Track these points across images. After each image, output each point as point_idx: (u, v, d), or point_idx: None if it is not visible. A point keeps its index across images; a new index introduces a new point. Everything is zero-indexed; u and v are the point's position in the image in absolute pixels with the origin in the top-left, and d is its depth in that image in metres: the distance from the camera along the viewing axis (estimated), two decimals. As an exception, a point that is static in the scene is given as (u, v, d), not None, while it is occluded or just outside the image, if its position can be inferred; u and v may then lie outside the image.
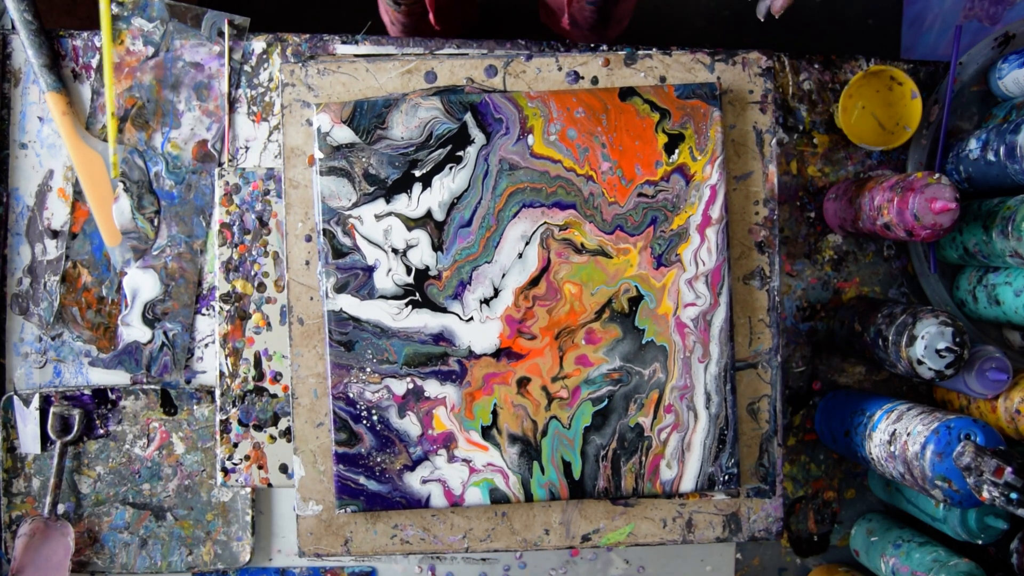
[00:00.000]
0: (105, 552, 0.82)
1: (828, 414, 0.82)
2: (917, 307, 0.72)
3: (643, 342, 0.69)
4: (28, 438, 0.81)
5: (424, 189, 0.69)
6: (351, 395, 0.69)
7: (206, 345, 0.82)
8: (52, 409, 0.80)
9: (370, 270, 0.69)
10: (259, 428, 0.77)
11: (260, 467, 0.77)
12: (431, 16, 0.95)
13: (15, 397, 0.81)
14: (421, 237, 0.69)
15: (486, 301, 0.69)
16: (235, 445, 0.77)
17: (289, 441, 0.77)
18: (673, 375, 0.70)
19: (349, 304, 0.69)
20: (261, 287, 0.77)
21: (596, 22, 1.01)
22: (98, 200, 0.81)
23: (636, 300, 0.69)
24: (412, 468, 0.69)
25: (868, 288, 0.85)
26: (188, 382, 0.82)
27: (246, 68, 0.82)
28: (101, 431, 0.82)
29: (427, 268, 0.69)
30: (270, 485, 0.77)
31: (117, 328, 0.82)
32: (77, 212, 0.82)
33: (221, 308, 0.77)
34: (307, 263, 0.71)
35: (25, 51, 0.80)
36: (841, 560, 0.86)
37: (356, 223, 0.69)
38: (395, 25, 1.09)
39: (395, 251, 0.69)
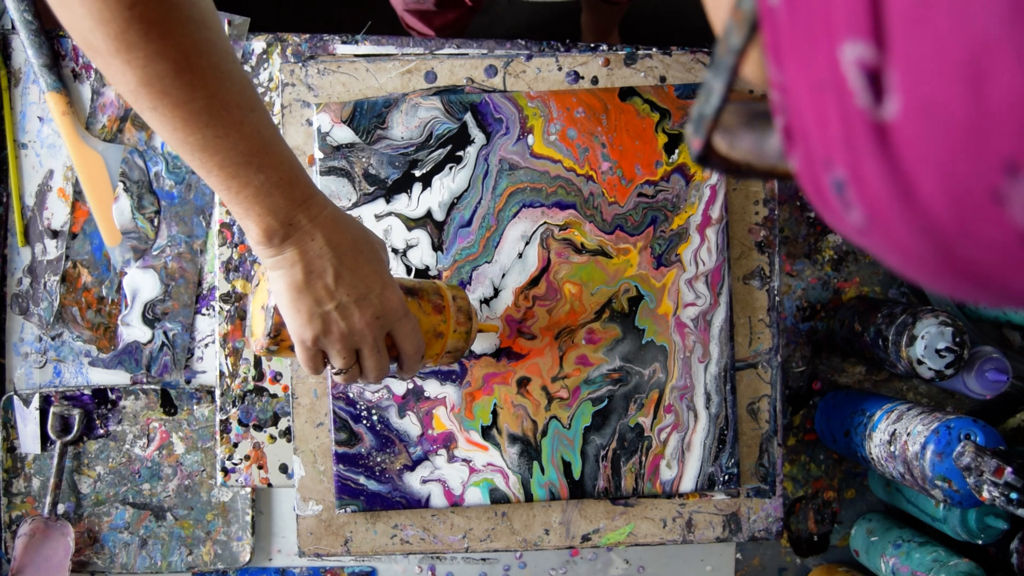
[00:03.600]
0: (105, 552, 0.82)
1: (828, 414, 0.82)
2: (917, 307, 0.72)
3: (643, 342, 0.69)
4: (28, 438, 0.81)
5: (424, 189, 0.69)
6: (351, 395, 0.69)
7: (206, 345, 0.82)
8: (52, 409, 0.80)
9: (370, 270, 0.69)
10: (259, 428, 0.77)
11: (260, 467, 0.77)
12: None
13: (15, 397, 0.81)
14: (421, 237, 0.69)
15: (486, 301, 0.69)
16: (235, 445, 0.77)
17: (289, 441, 0.77)
18: (673, 375, 0.69)
19: (349, 304, 0.69)
20: (261, 287, 0.77)
21: None
22: (98, 200, 0.81)
23: (636, 300, 0.69)
24: (412, 468, 0.69)
25: (868, 288, 0.85)
26: (188, 382, 0.82)
27: (246, 68, 0.82)
28: (101, 431, 0.82)
29: (427, 268, 0.69)
30: (270, 485, 0.77)
31: (117, 328, 0.82)
32: (77, 212, 0.82)
33: (221, 308, 0.77)
34: (307, 263, 0.71)
35: (25, 51, 0.80)
36: (841, 560, 0.86)
37: (356, 223, 0.69)
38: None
39: (395, 251, 0.69)
